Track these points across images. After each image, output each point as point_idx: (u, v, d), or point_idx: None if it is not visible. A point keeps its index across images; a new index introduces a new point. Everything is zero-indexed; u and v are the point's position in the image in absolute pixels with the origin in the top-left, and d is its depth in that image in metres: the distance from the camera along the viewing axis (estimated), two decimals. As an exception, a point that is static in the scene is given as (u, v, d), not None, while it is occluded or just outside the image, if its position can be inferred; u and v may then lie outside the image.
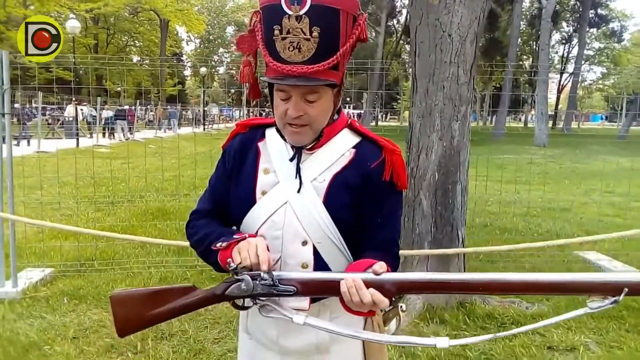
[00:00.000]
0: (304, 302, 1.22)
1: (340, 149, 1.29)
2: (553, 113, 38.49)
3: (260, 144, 1.34)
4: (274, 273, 1.17)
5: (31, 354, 3.22)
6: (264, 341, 1.35)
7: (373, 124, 23.03)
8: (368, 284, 1.11)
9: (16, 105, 24.46)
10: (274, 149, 1.32)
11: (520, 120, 47.16)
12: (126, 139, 21.30)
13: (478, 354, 3.27)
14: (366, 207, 1.27)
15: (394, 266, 1.31)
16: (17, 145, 14.85)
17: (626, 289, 1.01)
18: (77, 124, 17.47)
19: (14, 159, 4.50)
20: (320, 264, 1.26)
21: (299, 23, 1.12)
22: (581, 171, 13.22)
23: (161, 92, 34.38)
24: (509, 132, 26.70)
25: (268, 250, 1.20)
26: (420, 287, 1.15)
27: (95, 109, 21.85)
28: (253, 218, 1.29)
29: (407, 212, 4.04)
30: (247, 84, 1.31)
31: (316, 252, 1.25)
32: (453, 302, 3.96)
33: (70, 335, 3.46)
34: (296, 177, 1.27)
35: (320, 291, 1.18)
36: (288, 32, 1.14)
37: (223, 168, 1.38)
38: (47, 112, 23.42)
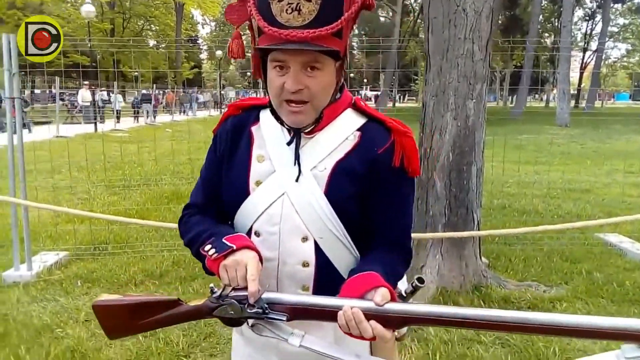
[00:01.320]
0: None
1: (343, 132, 1.15)
2: (575, 92, 37.54)
3: (253, 128, 1.21)
4: (264, 296, 1.07)
5: (43, 336, 3.25)
6: (262, 345, 1.24)
7: (390, 104, 22.73)
8: (369, 316, 0.99)
9: (36, 91, 24.87)
10: (268, 134, 1.18)
11: (542, 99, 46.23)
12: (148, 123, 21.58)
13: (493, 339, 3.20)
14: (374, 197, 1.14)
15: (406, 263, 1.21)
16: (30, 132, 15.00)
17: None
18: (95, 108, 17.57)
19: (34, 144, 4.52)
20: (322, 261, 1.14)
21: None
22: (604, 151, 12.89)
23: (177, 76, 34.45)
24: (528, 111, 26.12)
25: (261, 262, 1.10)
26: (428, 321, 1.02)
27: (108, 94, 22.16)
28: (247, 211, 1.17)
29: (421, 194, 3.95)
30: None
31: (318, 249, 1.13)
32: (468, 286, 3.89)
33: (82, 318, 3.48)
34: (295, 164, 1.14)
35: (315, 318, 1.06)
36: None
37: (213, 155, 1.25)
38: (66, 97, 23.72)
